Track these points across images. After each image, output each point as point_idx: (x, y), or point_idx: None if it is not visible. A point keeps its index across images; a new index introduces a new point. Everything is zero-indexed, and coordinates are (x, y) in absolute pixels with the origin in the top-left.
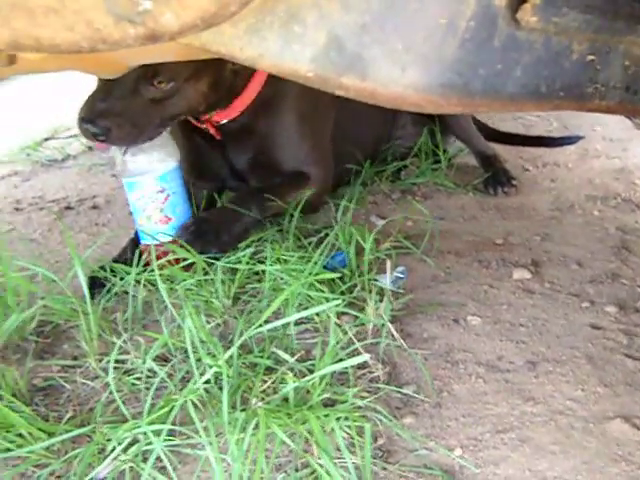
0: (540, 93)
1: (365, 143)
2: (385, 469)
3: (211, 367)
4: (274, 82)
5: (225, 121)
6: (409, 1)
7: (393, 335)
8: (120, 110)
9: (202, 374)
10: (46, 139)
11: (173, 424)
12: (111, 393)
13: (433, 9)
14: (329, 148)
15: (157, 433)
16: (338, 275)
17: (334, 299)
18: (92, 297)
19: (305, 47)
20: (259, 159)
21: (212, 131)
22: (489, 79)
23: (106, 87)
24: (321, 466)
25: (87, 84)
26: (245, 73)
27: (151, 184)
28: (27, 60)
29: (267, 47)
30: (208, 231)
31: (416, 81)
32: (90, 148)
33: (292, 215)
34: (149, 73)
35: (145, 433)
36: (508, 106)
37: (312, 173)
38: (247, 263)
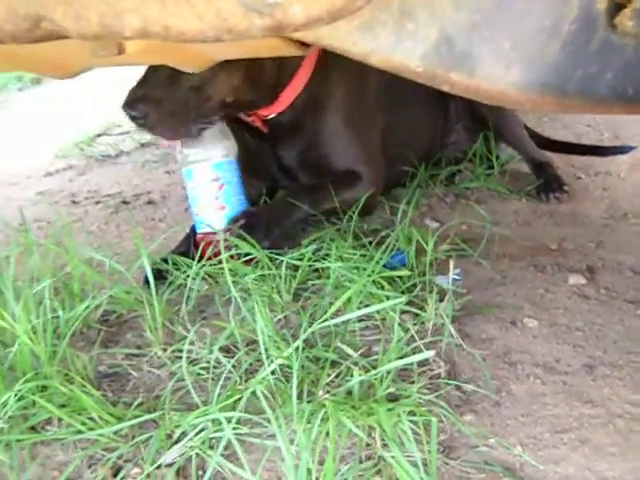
0: (628, 96)
1: (419, 146)
2: (447, 464)
3: (277, 358)
4: (320, 78)
5: (273, 115)
6: (516, 2)
7: (452, 335)
8: (158, 96)
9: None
10: (98, 135)
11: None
12: (177, 381)
13: (539, 10)
14: (379, 149)
15: (227, 420)
16: (402, 273)
17: (396, 297)
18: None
19: (417, 44)
20: (308, 156)
21: (259, 125)
22: (584, 81)
23: (148, 75)
24: (384, 459)
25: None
26: (289, 67)
27: (206, 172)
28: (126, 54)
29: (379, 43)
30: (258, 225)
31: (519, 79)
32: (143, 145)
33: (351, 215)
34: None
35: (213, 421)
36: (598, 108)
37: (363, 172)
38: (309, 260)
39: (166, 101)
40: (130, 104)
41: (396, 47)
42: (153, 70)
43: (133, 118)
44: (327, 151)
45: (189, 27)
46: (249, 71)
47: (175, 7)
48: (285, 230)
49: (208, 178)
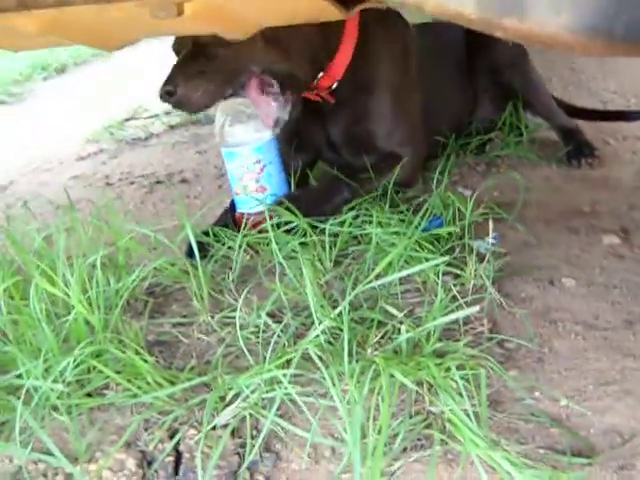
0: None
1: (450, 118)
2: (495, 417)
3: (325, 319)
4: (364, 54)
5: (335, 85)
6: None
7: (493, 294)
8: (190, 71)
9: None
10: (127, 119)
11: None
12: (227, 347)
13: None
14: (420, 127)
15: (280, 380)
16: (443, 232)
17: (436, 259)
18: (199, 259)
19: None
20: (353, 131)
21: (326, 96)
22: (630, 25)
23: (183, 56)
24: (433, 414)
25: (161, 68)
26: (331, 39)
27: (248, 154)
28: (179, 19)
29: None
30: (299, 209)
31: (569, 23)
32: (172, 127)
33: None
34: None
35: (265, 381)
36: None
37: (406, 153)
38: (349, 226)
39: (198, 75)
40: (165, 83)
41: None
42: (187, 51)
43: (167, 93)
44: (373, 130)
45: None
46: (287, 41)
47: None
48: (325, 215)
49: (250, 160)
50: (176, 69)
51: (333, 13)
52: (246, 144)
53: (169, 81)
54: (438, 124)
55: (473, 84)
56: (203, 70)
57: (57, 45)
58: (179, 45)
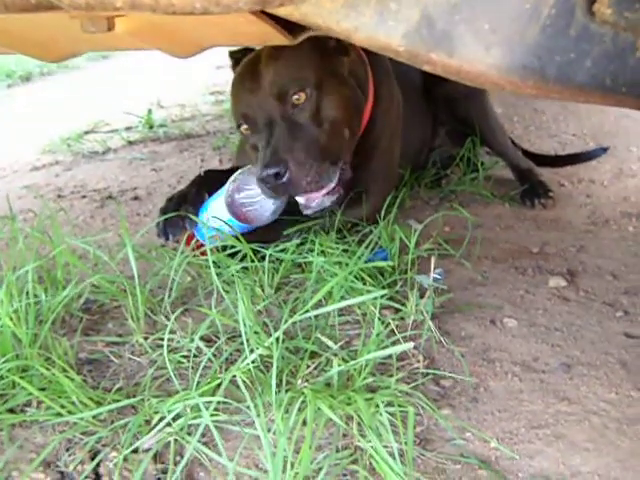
0: (605, 86)
1: (411, 152)
2: (423, 455)
3: (258, 348)
4: (376, 115)
5: None
6: None
7: (432, 330)
8: (288, 144)
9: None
10: (86, 132)
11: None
12: (158, 369)
13: None
14: (396, 166)
15: (205, 407)
16: (385, 264)
17: (377, 291)
18: (167, 238)
19: (399, 23)
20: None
21: None
22: (563, 66)
23: (266, 136)
24: (360, 449)
25: (125, 80)
26: (363, 99)
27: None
28: (115, 35)
29: (363, 21)
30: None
31: (499, 61)
32: (130, 143)
33: (334, 212)
34: (280, 95)
35: (192, 407)
36: (577, 95)
37: (376, 191)
38: (292, 253)
39: (297, 147)
40: (268, 164)
41: (379, 26)
42: (268, 129)
43: (276, 176)
44: (357, 182)
45: None
46: (350, 91)
47: None
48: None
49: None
50: (276, 147)
51: (277, 38)
52: (258, 223)
53: (276, 161)
54: (402, 157)
55: (433, 118)
56: (306, 148)
57: None
58: (252, 118)
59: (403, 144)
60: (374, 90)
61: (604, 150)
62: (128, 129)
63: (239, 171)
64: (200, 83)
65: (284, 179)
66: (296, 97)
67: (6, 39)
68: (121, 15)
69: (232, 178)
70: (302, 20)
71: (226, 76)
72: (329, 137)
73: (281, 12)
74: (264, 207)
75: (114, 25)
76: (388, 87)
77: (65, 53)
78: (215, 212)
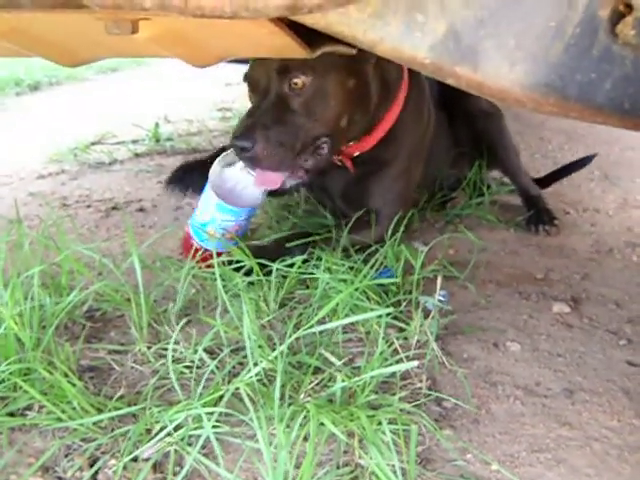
0: (624, 109)
1: (431, 176)
2: (424, 475)
3: (262, 361)
4: (398, 128)
5: (358, 153)
6: (523, 1)
7: (435, 351)
8: (267, 121)
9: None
10: (93, 143)
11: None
12: (160, 379)
13: (545, 11)
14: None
15: (207, 418)
16: (391, 281)
17: (381, 310)
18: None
19: (425, 35)
20: (353, 191)
21: (348, 164)
22: (584, 86)
23: (255, 104)
24: (361, 466)
25: (133, 94)
26: (384, 106)
27: (243, 213)
28: (136, 40)
29: (389, 32)
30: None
31: (522, 78)
32: (137, 155)
33: (342, 229)
34: (281, 69)
35: (193, 418)
36: (596, 116)
37: (389, 214)
38: (298, 269)
39: (273, 126)
40: (239, 135)
41: (405, 37)
42: (269, 102)
43: (242, 149)
44: (373, 195)
45: (207, 1)
46: (357, 95)
47: None
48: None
49: (241, 217)
50: (255, 121)
51: (297, 51)
52: (246, 204)
53: (247, 135)
54: (421, 180)
55: (453, 140)
56: (282, 132)
57: (15, 55)
58: (253, 81)
59: (425, 167)
60: (404, 102)
61: (590, 159)
62: (135, 142)
63: (225, 152)
64: (208, 99)
65: (249, 154)
66: (295, 80)
67: (25, 40)
68: (146, 19)
69: (218, 159)
70: (326, 28)
71: (234, 93)
72: (313, 130)
73: (307, 20)
74: (250, 186)
75: (138, 28)
76: (418, 103)
77: (83, 58)
78: (205, 198)
